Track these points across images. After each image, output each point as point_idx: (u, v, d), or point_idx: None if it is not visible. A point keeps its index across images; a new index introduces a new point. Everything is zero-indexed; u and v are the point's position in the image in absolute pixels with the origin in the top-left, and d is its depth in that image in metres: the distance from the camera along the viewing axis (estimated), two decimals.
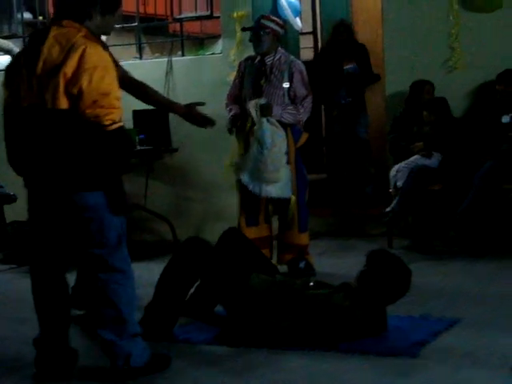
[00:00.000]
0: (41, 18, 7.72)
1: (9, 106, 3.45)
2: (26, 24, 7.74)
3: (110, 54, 3.48)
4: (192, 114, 4.35)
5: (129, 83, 4.15)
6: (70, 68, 3.26)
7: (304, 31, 7.72)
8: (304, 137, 5.39)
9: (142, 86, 4.31)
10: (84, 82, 3.24)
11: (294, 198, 5.24)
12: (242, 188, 5.31)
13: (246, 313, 3.87)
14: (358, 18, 8.08)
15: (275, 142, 5.11)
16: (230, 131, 5.46)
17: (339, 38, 7.07)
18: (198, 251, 4.01)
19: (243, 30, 5.60)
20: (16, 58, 3.53)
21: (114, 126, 3.29)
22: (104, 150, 3.31)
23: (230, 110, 5.40)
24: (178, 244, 5.36)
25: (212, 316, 4.13)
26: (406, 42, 6.32)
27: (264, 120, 5.13)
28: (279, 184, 5.15)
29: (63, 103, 3.28)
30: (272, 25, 5.28)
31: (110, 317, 3.43)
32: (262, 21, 5.30)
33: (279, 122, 5.17)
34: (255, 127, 5.17)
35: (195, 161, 6.84)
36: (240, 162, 5.29)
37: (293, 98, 5.24)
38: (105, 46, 3.45)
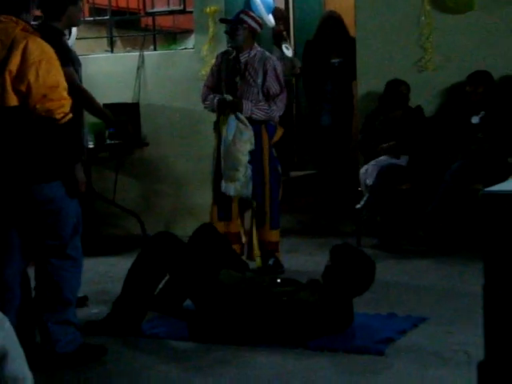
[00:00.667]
0: None
1: None
2: (36, 19, 7.65)
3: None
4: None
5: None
6: (14, 65, 3.26)
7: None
8: (279, 132, 5.39)
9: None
10: (31, 78, 3.25)
11: (254, 202, 5.24)
12: (215, 182, 5.30)
13: (214, 308, 3.86)
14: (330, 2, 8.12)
15: (236, 140, 5.10)
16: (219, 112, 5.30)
17: (327, 31, 7.03)
18: (167, 245, 4.00)
19: (221, 21, 5.52)
20: None
21: (66, 118, 3.31)
22: (58, 142, 3.34)
23: (214, 97, 5.28)
24: (147, 239, 5.33)
25: (180, 311, 4.12)
26: (378, 41, 6.34)
27: (232, 117, 5.12)
28: (238, 183, 5.15)
29: (12, 100, 3.28)
30: (250, 21, 5.26)
31: (53, 301, 3.50)
32: (241, 15, 5.28)
33: (250, 119, 5.16)
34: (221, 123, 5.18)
35: (166, 156, 6.81)
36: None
37: (266, 95, 5.23)
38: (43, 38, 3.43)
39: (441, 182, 5.75)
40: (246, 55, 5.26)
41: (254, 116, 5.18)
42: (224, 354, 3.65)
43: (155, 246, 4.03)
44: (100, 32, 7.69)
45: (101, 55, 7.15)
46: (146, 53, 6.90)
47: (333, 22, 7.09)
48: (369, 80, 6.36)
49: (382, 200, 5.87)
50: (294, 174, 7.47)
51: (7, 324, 1.91)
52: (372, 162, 6.09)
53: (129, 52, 7.20)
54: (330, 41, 7.05)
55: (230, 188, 5.16)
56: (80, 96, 4.30)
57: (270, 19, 6.76)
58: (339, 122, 7.14)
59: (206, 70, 6.38)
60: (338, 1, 8.04)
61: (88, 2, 7.27)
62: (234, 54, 5.31)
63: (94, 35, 7.54)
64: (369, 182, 5.99)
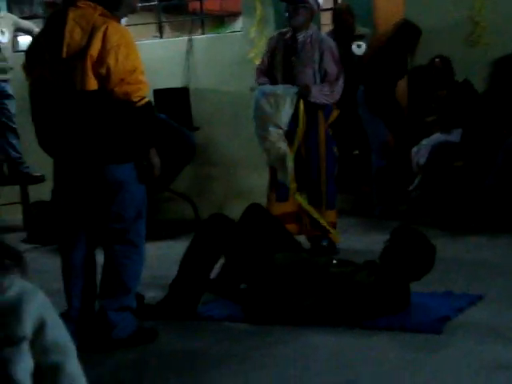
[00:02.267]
0: None
1: (35, 90, 3.51)
2: (46, 4, 7.75)
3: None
4: None
5: None
6: (95, 50, 3.32)
7: (325, 7, 7.64)
8: (335, 113, 5.36)
9: None
10: (111, 62, 3.31)
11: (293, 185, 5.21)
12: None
13: (269, 290, 3.88)
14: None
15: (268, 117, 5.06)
16: None
17: (345, 24, 6.69)
18: (221, 228, 4.03)
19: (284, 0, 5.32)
20: (36, 42, 3.57)
21: (143, 102, 3.37)
22: (134, 124, 3.39)
23: (265, 81, 5.25)
24: (201, 222, 5.37)
25: (237, 293, 4.15)
26: (428, 15, 6.26)
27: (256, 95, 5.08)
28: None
29: (92, 84, 3.35)
30: (311, 1, 5.23)
31: (112, 287, 3.57)
32: None
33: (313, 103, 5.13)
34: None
35: (216, 140, 6.84)
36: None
37: (323, 77, 5.20)
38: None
39: (495, 158, 5.67)
40: (303, 35, 5.22)
41: (317, 101, 5.15)
42: (280, 334, 3.67)
43: (209, 228, 4.06)
44: (148, 18, 7.75)
45: (150, 41, 7.21)
46: (194, 37, 6.94)
47: (349, 14, 6.72)
48: (421, 54, 6.28)
49: (436, 178, 5.81)
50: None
51: (41, 294, 1.96)
52: (423, 142, 6.03)
53: (177, 37, 7.24)
54: (348, 33, 6.71)
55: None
56: None
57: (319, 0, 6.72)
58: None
59: (254, 53, 6.39)
60: None
61: None
62: (291, 33, 5.26)
63: (143, 21, 7.60)
64: (421, 161, 5.93)
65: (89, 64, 3.33)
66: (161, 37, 7.27)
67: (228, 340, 3.69)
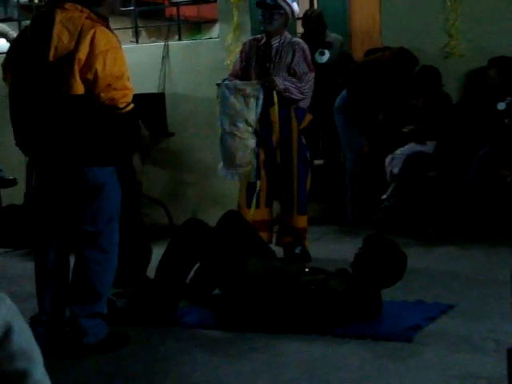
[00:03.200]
0: (36, 1, 7.68)
1: (16, 90, 3.49)
2: (22, 7, 7.71)
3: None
4: None
5: None
6: (82, 54, 3.31)
7: (301, 16, 7.67)
8: (308, 118, 5.38)
9: None
10: (99, 67, 3.30)
11: (258, 183, 5.21)
12: None
13: (242, 297, 3.88)
14: (356, 3, 8.04)
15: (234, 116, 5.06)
16: None
17: (314, 31, 6.67)
18: (197, 233, 4.02)
19: (258, 5, 5.29)
20: (19, 43, 3.54)
21: (129, 108, 3.38)
22: (118, 129, 3.39)
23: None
24: (176, 227, 5.35)
25: (210, 299, 4.14)
26: (404, 27, 6.31)
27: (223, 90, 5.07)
28: (240, 168, 5.13)
29: (79, 89, 3.34)
30: (286, 7, 5.26)
31: (83, 293, 3.54)
32: (278, 0, 5.25)
33: (283, 98, 5.12)
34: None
35: (192, 145, 6.84)
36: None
37: (294, 76, 5.19)
38: (108, 26, 3.47)
39: (468, 169, 5.71)
40: (277, 41, 5.25)
41: (288, 88, 5.11)
42: (252, 342, 3.67)
43: (186, 234, 4.05)
44: (125, 23, 7.74)
45: (126, 46, 7.16)
46: (170, 43, 6.93)
47: (315, 18, 6.74)
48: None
49: (410, 187, 5.85)
50: (317, 162, 7.43)
51: (8, 301, 1.93)
52: (398, 152, 6.07)
53: (154, 42, 7.23)
54: (316, 38, 6.68)
55: (233, 174, 5.16)
56: None
57: (295, 7, 6.75)
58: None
59: (230, 60, 6.40)
60: None
61: None
62: (265, 39, 5.28)
63: (119, 26, 7.58)
64: (395, 171, 5.97)
65: (76, 68, 3.31)
66: (137, 42, 7.26)
67: (200, 347, 3.68)
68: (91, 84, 3.32)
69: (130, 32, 7.74)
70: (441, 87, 6.12)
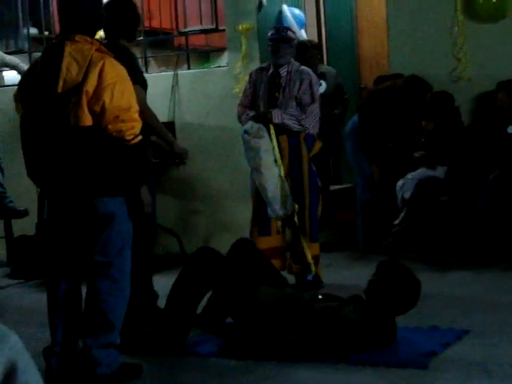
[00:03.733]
0: (47, 33, 7.74)
1: (27, 122, 3.53)
2: (32, 39, 7.77)
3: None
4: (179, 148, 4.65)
5: None
6: (90, 86, 3.34)
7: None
8: (317, 145, 5.39)
9: None
10: (106, 99, 3.32)
11: (296, 206, 5.21)
12: (256, 197, 5.30)
13: (254, 326, 3.86)
14: (363, 28, 8.10)
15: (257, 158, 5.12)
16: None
17: (310, 61, 6.41)
18: (208, 262, 4.02)
19: (271, 39, 5.29)
20: (30, 74, 3.58)
21: (136, 140, 3.39)
22: (126, 161, 3.41)
23: (248, 114, 5.28)
24: (187, 256, 5.37)
25: (223, 328, 4.13)
26: (411, 51, 6.33)
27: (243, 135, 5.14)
28: (274, 204, 5.15)
29: (87, 120, 3.36)
30: (295, 38, 5.36)
31: (95, 324, 3.52)
32: (288, 33, 5.31)
33: (286, 129, 5.15)
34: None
35: (202, 173, 6.84)
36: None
37: (300, 106, 5.22)
38: (116, 58, 3.49)
39: (479, 193, 5.70)
40: (285, 70, 5.27)
41: (285, 122, 5.17)
42: (265, 370, 3.65)
43: (197, 262, 4.05)
44: (134, 53, 7.77)
45: None
46: (179, 72, 6.96)
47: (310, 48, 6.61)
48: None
49: (421, 212, 5.83)
50: (333, 187, 7.42)
51: (13, 338, 1.91)
52: (409, 176, 6.06)
53: (163, 72, 7.27)
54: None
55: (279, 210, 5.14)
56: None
57: (302, 34, 6.80)
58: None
59: (239, 88, 6.42)
60: (369, 14, 8.05)
61: None
62: (272, 69, 5.30)
63: None
64: (406, 196, 5.95)
65: (84, 100, 3.34)
66: (146, 71, 7.30)
67: (213, 376, 3.66)
68: (99, 116, 3.34)
69: (139, 62, 7.78)
70: (453, 112, 6.11)
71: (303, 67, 5.37)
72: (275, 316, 3.84)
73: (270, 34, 5.34)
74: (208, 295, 4.12)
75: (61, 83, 3.38)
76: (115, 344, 3.58)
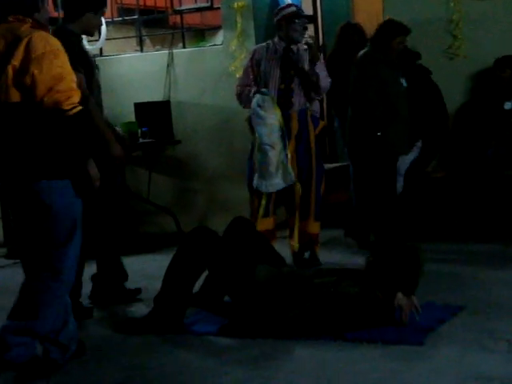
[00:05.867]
0: None
1: None
2: None
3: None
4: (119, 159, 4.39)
5: None
6: (17, 60, 3.25)
7: None
8: (321, 124, 5.39)
9: None
10: (35, 71, 3.22)
11: (298, 185, 5.22)
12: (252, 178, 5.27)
13: (252, 304, 3.87)
14: (359, 6, 8.07)
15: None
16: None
17: (350, 39, 6.50)
18: (204, 241, 4.01)
19: (295, 16, 5.18)
20: None
21: (76, 110, 3.26)
22: (67, 135, 3.28)
23: (249, 91, 5.21)
24: (184, 235, 5.38)
25: (221, 306, 4.14)
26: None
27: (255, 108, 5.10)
28: (273, 177, 5.13)
29: (15, 96, 3.27)
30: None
31: (19, 309, 3.41)
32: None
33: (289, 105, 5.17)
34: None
35: (198, 152, 6.84)
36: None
37: (316, 82, 5.19)
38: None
39: (476, 170, 5.71)
40: (296, 47, 5.24)
41: (313, 109, 5.27)
42: (263, 347, 3.67)
43: (193, 241, 4.04)
44: (129, 32, 7.74)
45: (131, 55, 7.20)
46: (175, 51, 6.94)
47: (353, 31, 6.56)
48: None
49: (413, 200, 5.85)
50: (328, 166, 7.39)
51: None
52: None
53: (158, 51, 7.24)
54: (353, 50, 6.38)
55: (279, 183, 5.14)
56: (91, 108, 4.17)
57: None
58: None
59: (235, 66, 6.41)
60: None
61: (116, 2, 7.32)
62: (283, 46, 5.23)
63: (123, 35, 7.59)
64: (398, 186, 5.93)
65: (11, 74, 3.25)
66: (141, 50, 7.27)
67: (211, 354, 3.68)
68: (31, 89, 3.23)
69: (134, 41, 7.75)
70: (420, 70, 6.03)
71: (305, 46, 5.33)
72: (273, 293, 3.85)
73: (292, 11, 5.21)
74: (205, 274, 4.14)
75: None
76: (34, 333, 3.41)
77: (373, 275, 3.84)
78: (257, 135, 5.12)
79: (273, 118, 5.10)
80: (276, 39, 5.28)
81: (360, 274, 3.90)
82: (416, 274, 3.85)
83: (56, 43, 3.33)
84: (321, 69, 5.25)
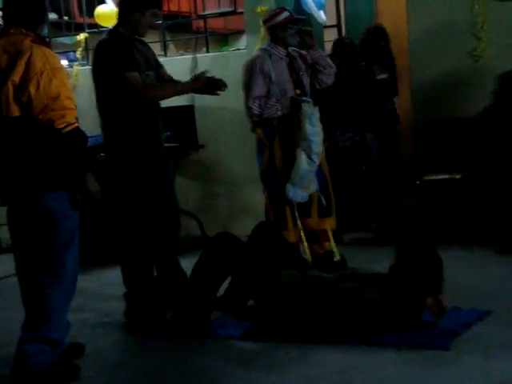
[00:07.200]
0: (66, 18, 7.76)
1: None
2: (52, 24, 7.79)
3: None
4: (203, 83, 4.48)
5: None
6: (17, 75, 3.31)
7: (328, 24, 7.69)
8: None
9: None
10: (32, 89, 3.28)
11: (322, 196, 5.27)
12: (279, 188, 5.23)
13: (276, 308, 3.87)
14: (383, 9, 8.04)
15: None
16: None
17: (373, 44, 6.50)
18: (228, 246, 4.03)
19: (292, 22, 5.23)
20: None
21: (69, 128, 3.32)
22: (62, 151, 3.35)
23: (277, 110, 5.19)
24: (208, 240, 5.39)
25: (245, 310, 4.14)
26: (432, 32, 6.28)
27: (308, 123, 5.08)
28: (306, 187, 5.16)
29: (15, 111, 3.33)
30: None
31: (32, 317, 3.46)
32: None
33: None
34: (302, 136, 5.10)
35: (221, 157, 6.85)
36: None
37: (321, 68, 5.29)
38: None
39: (500, 171, 5.66)
40: (290, 51, 5.30)
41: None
42: (287, 351, 3.67)
43: (217, 247, 4.06)
44: (153, 36, 7.77)
45: None
46: (198, 55, 6.95)
47: (379, 35, 6.52)
48: (424, 70, 6.31)
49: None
50: None
51: None
52: None
53: (182, 55, 7.26)
54: (376, 55, 6.54)
55: (297, 194, 5.13)
56: (150, 95, 4.37)
57: (321, 15, 6.75)
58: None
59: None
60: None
61: None
62: (285, 51, 5.26)
63: (147, 40, 7.62)
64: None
65: (11, 90, 3.31)
66: (165, 55, 7.30)
67: (234, 359, 3.68)
68: (27, 106, 3.30)
69: (158, 45, 7.78)
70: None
71: (290, 49, 5.32)
72: (297, 298, 3.84)
73: (286, 16, 5.22)
74: (229, 278, 4.15)
75: None
76: (50, 339, 3.46)
77: (397, 280, 3.82)
78: (307, 144, 5.09)
79: (320, 126, 5.12)
80: (271, 45, 5.28)
81: (384, 278, 3.89)
82: (440, 273, 3.83)
83: (55, 61, 3.40)
84: (321, 51, 5.36)
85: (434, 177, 6.09)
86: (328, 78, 5.35)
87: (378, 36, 6.47)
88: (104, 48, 4.37)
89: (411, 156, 6.54)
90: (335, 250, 5.30)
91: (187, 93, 4.86)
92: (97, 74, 4.40)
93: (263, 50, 5.35)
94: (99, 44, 4.42)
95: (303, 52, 5.33)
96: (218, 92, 4.48)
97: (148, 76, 4.44)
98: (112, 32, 4.46)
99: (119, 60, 4.26)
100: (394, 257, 3.90)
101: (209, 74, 4.53)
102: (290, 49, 5.32)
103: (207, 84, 4.46)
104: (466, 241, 5.76)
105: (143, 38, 4.62)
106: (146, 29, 4.48)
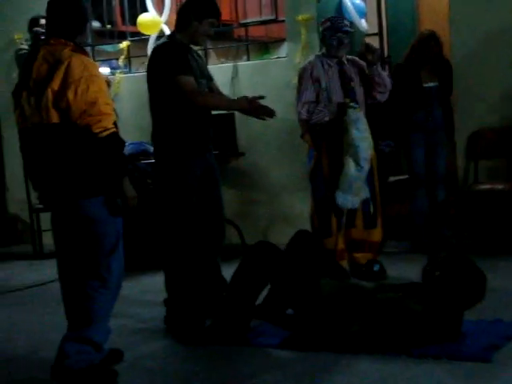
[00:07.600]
0: (109, 26, 7.85)
1: (19, 127, 3.58)
2: (95, 33, 7.89)
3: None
4: (253, 107, 4.42)
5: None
6: (56, 83, 3.38)
7: (370, 32, 7.66)
8: None
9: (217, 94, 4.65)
10: (70, 95, 3.35)
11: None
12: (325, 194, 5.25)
13: (315, 317, 3.85)
14: (425, 17, 7.99)
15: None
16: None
17: (429, 51, 6.15)
18: (267, 255, 4.02)
19: (336, 31, 5.28)
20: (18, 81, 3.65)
21: (106, 133, 3.37)
22: (99, 157, 3.40)
23: (324, 115, 5.23)
24: (247, 248, 5.39)
25: (284, 318, 4.13)
26: (474, 40, 6.22)
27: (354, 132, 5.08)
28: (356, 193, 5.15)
29: (54, 117, 3.40)
30: (350, 29, 5.40)
31: (75, 318, 3.51)
32: (347, 28, 5.32)
33: None
34: (348, 141, 5.09)
35: (261, 164, 6.86)
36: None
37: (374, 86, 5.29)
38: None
39: None
40: (345, 59, 5.32)
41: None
42: (326, 361, 3.65)
43: (256, 256, 4.06)
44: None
45: None
46: (239, 63, 6.98)
47: (435, 42, 6.17)
48: (467, 79, 6.25)
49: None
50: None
51: None
52: None
53: (223, 63, 7.29)
54: (426, 63, 6.25)
55: (347, 200, 5.13)
56: (203, 102, 4.36)
57: (363, 23, 6.74)
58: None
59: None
60: (431, 2, 7.93)
61: None
62: (336, 59, 5.29)
63: None
64: None
65: (50, 97, 3.38)
66: (207, 63, 7.33)
67: (273, 367, 3.67)
68: (66, 112, 3.36)
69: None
70: None
71: (349, 56, 5.38)
72: (336, 307, 3.82)
73: (340, 25, 5.28)
74: (268, 287, 4.14)
75: (31, 84, 3.45)
76: (92, 341, 3.50)
77: (439, 293, 3.78)
78: (353, 150, 5.08)
79: (368, 131, 5.10)
80: (323, 52, 5.37)
81: (423, 289, 3.85)
82: (483, 290, 3.79)
83: (93, 68, 3.47)
84: (380, 69, 5.31)
85: (481, 187, 6.02)
86: (381, 96, 5.35)
87: (433, 42, 6.31)
88: (161, 51, 4.37)
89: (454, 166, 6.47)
90: (376, 259, 5.27)
91: (236, 110, 4.81)
92: (151, 77, 4.39)
93: (317, 56, 5.41)
94: (156, 48, 4.43)
95: (361, 63, 5.32)
96: (266, 118, 4.42)
97: (201, 84, 4.43)
98: (170, 37, 4.47)
99: (176, 63, 4.25)
100: (437, 267, 3.85)
101: (262, 102, 4.46)
102: (350, 57, 5.33)
103: (259, 109, 4.42)
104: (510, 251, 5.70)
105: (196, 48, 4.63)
106: (203, 38, 4.48)
